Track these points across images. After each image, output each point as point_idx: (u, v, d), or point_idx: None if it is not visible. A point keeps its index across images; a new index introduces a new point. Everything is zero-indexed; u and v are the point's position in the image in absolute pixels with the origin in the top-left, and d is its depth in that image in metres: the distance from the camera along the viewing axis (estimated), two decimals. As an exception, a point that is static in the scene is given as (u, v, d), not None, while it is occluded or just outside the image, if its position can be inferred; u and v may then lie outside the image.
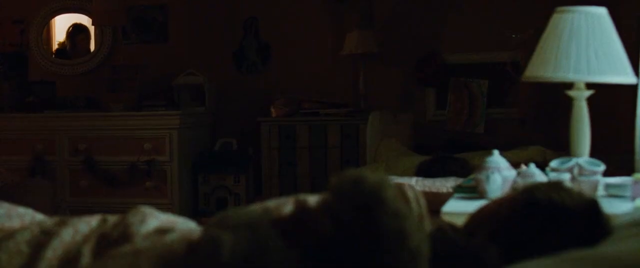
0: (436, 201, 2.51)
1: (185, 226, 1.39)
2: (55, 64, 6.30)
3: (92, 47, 6.34)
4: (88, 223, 1.38)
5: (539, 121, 5.31)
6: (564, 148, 2.92)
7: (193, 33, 6.08)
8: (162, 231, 1.32)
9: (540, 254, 1.13)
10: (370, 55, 5.47)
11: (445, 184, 3.12)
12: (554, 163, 2.47)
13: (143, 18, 6.13)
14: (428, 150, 4.85)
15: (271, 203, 1.32)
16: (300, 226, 1.22)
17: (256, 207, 1.31)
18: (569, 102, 2.60)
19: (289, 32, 5.86)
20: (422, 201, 1.40)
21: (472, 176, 2.59)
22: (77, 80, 6.22)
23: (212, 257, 1.10)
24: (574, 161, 2.43)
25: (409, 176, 3.57)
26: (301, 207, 1.27)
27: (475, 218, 1.51)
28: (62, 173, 5.63)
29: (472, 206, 1.69)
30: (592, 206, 1.38)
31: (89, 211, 2.64)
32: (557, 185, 1.42)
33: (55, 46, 6.47)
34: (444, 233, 1.34)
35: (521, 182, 2.37)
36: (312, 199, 1.30)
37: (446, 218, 2.22)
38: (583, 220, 1.35)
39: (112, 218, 1.39)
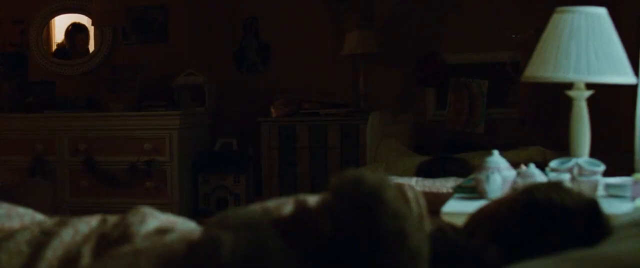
0: (436, 201, 2.51)
1: (185, 226, 1.39)
2: (55, 64, 6.30)
3: (91, 47, 6.34)
4: (88, 224, 1.38)
5: (539, 121, 5.31)
6: (564, 149, 2.91)
7: (193, 33, 6.08)
8: (162, 231, 1.32)
9: (540, 254, 1.13)
10: (370, 55, 5.47)
11: (445, 184, 3.12)
12: (553, 164, 2.47)
13: (143, 18, 6.14)
14: (428, 150, 4.85)
15: (271, 204, 1.32)
16: (300, 226, 1.22)
17: (256, 207, 1.31)
18: (569, 102, 2.60)
19: (289, 32, 5.86)
20: (422, 201, 1.40)
21: (472, 176, 2.59)
22: (77, 80, 6.22)
23: (212, 257, 1.10)
24: (573, 161, 2.43)
25: (409, 176, 3.57)
26: (301, 207, 1.27)
27: (475, 218, 1.51)
28: (62, 174, 5.63)
29: (472, 206, 1.69)
30: (592, 206, 1.38)
31: (89, 211, 2.64)
32: (557, 185, 1.42)
33: (54, 47, 6.47)
34: (444, 233, 1.34)
35: (521, 182, 2.37)
36: (312, 199, 1.30)
37: (446, 218, 2.22)
38: (583, 220, 1.35)
39: (112, 219, 1.39)
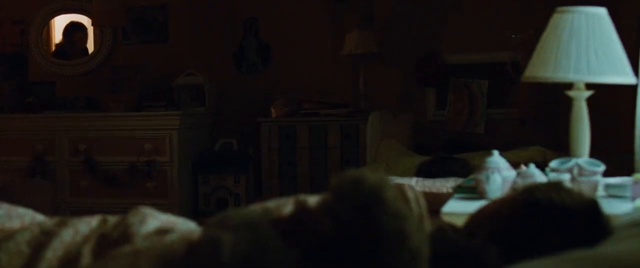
0: (436, 201, 2.51)
1: (185, 226, 1.39)
2: (55, 65, 6.30)
3: (90, 46, 6.34)
4: (88, 224, 1.38)
5: (539, 121, 5.31)
6: (564, 149, 2.91)
7: (193, 33, 6.08)
8: (162, 231, 1.32)
9: (540, 254, 1.13)
10: (370, 55, 5.47)
11: (445, 184, 3.12)
12: (553, 164, 2.47)
13: (143, 18, 6.14)
14: (428, 150, 4.85)
15: (271, 204, 1.32)
16: (300, 226, 1.22)
17: (256, 207, 1.31)
18: (569, 102, 2.60)
19: (289, 32, 5.86)
20: (422, 201, 1.40)
21: (472, 176, 2.59)
22: (77, 81, 6.22)
23: (212, 257, 1.09)
24: (573, 161, 2.43)
25: (409, 176, 3.57)
26: (301, 207, 1.27)
27: (475, 218, 1.51)
28: (62, 174, 5.63)
29: (472, 206, 1.69)
30: (592, 206, 1.38)
31: (89, 211, 2.64)
32: (557, 186, 1.42)
33: (54, 47, 6.47)
34: (444, 233, 1.34)
35: (521, 182, 2.37)
36: (312, 199, 1.30)
37: (446, 218, 2.22)
38: (583, 220, 1.35)
39: (112, 219, 1.39)
